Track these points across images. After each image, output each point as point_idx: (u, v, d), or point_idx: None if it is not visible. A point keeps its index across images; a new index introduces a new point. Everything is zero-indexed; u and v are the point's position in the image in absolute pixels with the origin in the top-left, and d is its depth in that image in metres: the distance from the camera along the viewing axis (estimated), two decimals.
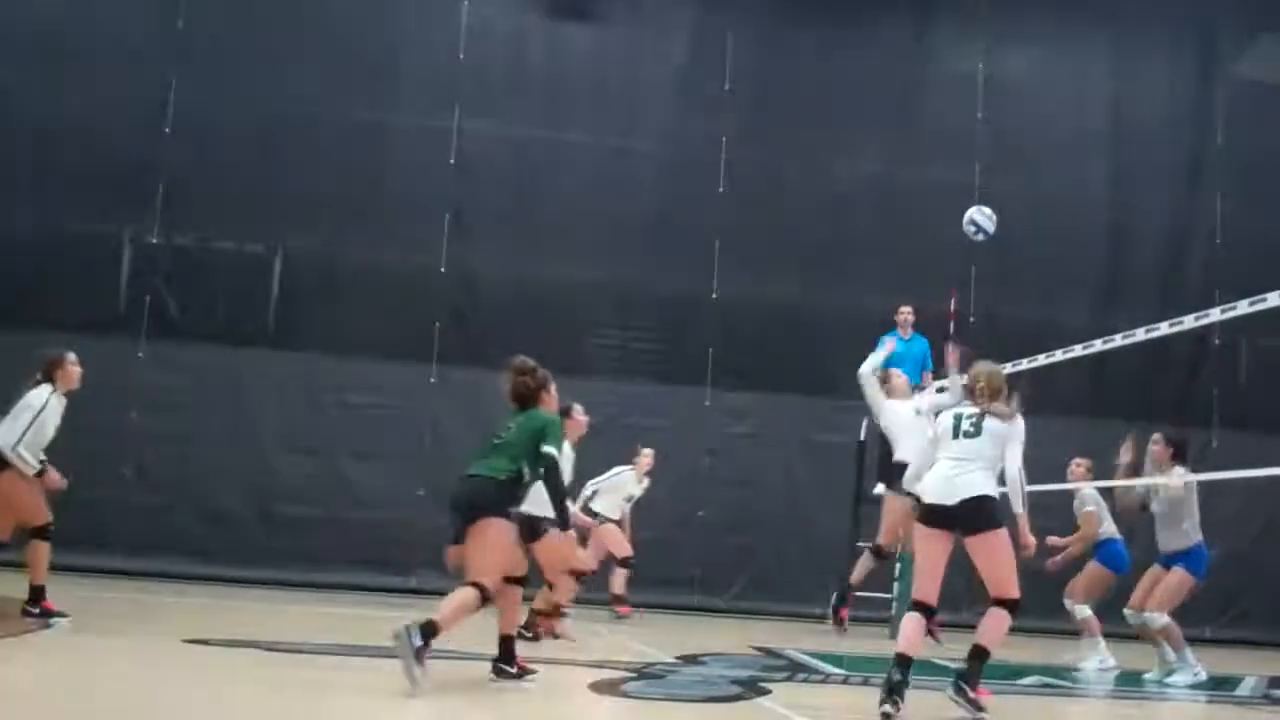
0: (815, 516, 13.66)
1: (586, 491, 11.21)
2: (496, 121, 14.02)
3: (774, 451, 14.08)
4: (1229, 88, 15.41)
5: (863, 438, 12.50)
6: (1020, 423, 6.87)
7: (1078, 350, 10.24)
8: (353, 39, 13.89)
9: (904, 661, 6.52)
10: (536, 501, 7.91)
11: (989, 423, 6.79)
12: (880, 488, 12.10)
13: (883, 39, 14.95)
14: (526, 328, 13.30)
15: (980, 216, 10.24)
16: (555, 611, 9.45)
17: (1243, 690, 9.44)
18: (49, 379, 8.38)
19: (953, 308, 13.22)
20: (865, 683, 8.13)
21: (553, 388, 7.35)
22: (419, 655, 6.31)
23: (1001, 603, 6.66)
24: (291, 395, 13.36)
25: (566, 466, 9.10)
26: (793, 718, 6.58)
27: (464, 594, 6.63)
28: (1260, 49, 15.51)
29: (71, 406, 8.50)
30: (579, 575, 9.37)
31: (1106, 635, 10.43)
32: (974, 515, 6.61)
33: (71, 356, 8.52)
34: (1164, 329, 9.20)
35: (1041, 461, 8.81)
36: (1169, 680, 9.26)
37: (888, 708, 6.39)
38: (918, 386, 11.76)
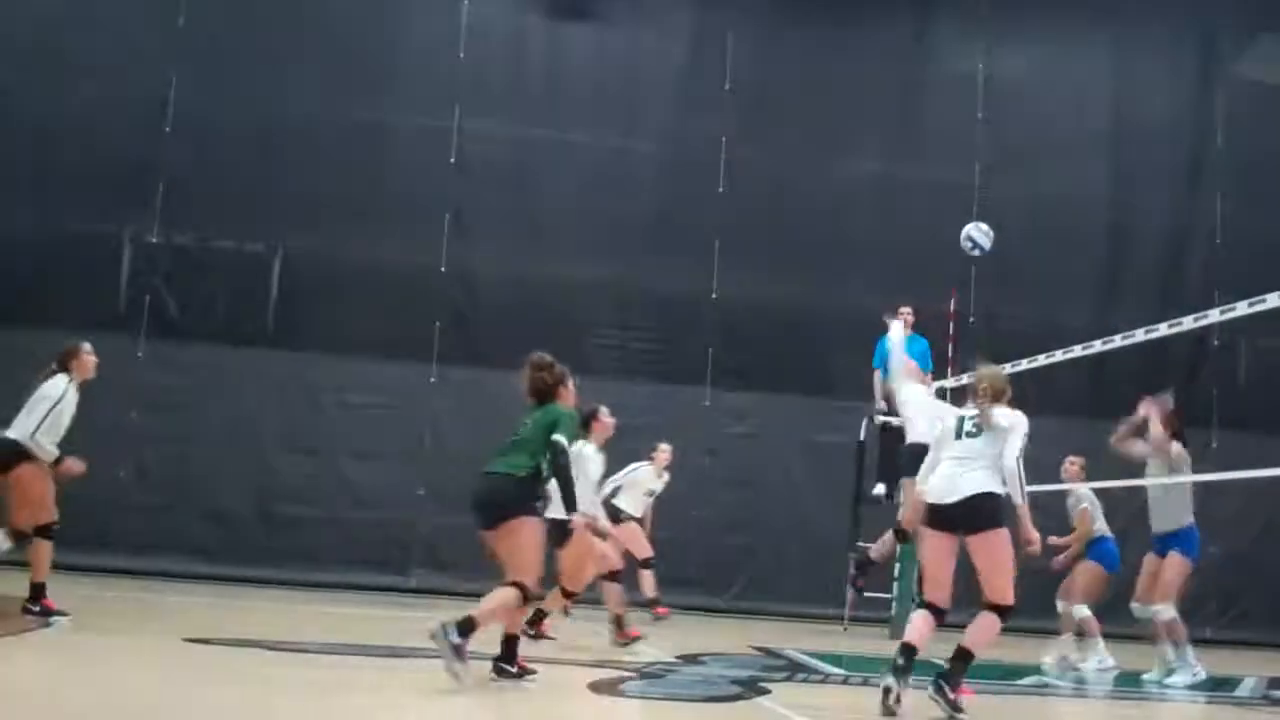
0: (815, 516, 13.67)
1: (607, 489, 10.98)
2: (496, 121, 14.02)
3: (774, 451, 14.09)
4: (1229, 88, 15.41)
5: (862, 438, 12.51)
6: (1022, 417, 6.87)
7: (1077, 351, 10.24)
8: (353, 39, 13.89)
9: (909, 649, 6.61)
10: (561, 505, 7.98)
11: (991, 421, 6.79)
12: (880, 488, 12.11)
13: (883, 39, 14.95)
14: (526, 328, 13.29)
15: (977, 233, 10.26)
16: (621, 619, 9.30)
17: (1242, 691, 9.44)
18: (64, 369, 8.41)
19: (952, 308, 13.24)
20: (865, 683, 8.13)
21: (570, 383, 7.39)
22: (459, 652, 6.43)
23: (994, 608, 6.65)
24: (291, 395, 13.36)
25: (595, 468, 9.12)
26: (792, 718, 6.58)
27: (504, 593, 6.76)
28: (1260, 49, 15.51)
29: None
30: (614, 575, 9.26)
31: (1105, 635, 10.44)
32: (974, 514, 6.61)
33: (87, 346, 8.57)
34: (1163, 330, 9.19)
35: (1041, 461, 8.81)
36: (1169, 681, 9.26)
37: (890, 681, 6.49)
38: None
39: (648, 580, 11.62)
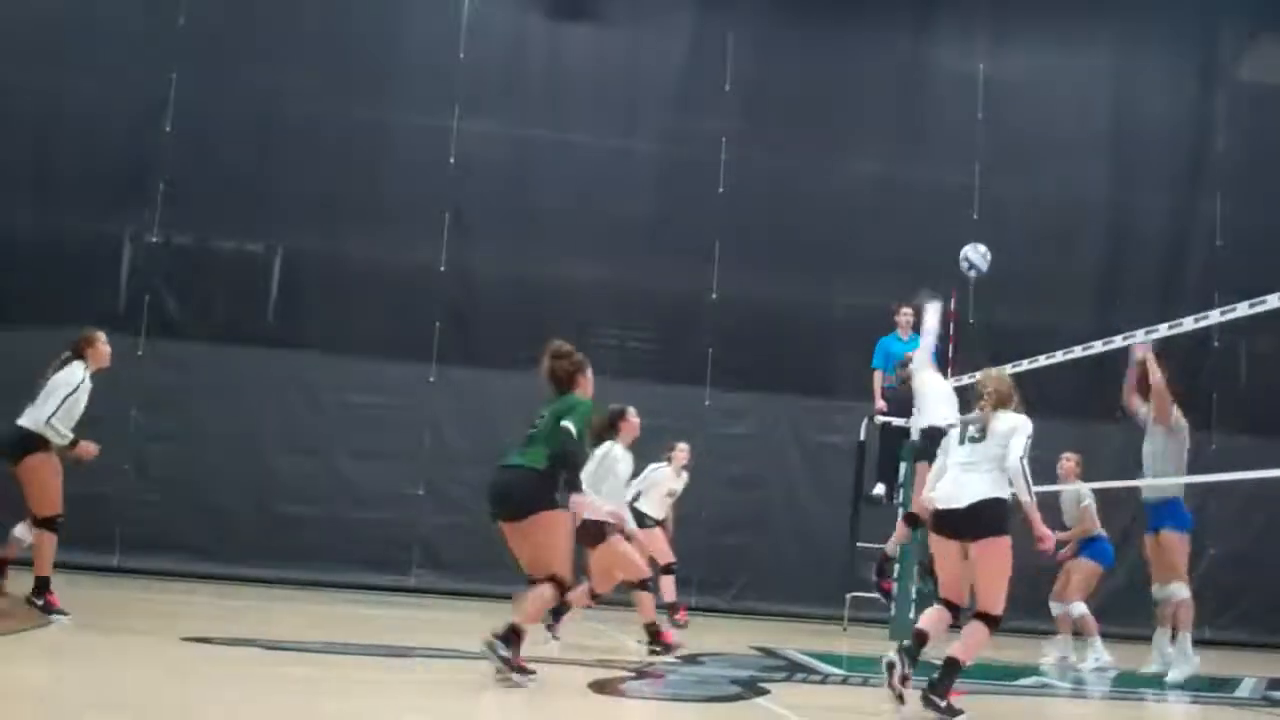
0: (814, 517, 13.69)
1: (628, 495, 10.61)
2: (496, 121, 14.02)
3: (773, 452, 14.09)
4: (1229, 88, 15.42)
5: (862, 438, 12.51)
6: (1026, 420, 6.88)
7: (1077, 352, 10.24)
8: (353, 39, 13.89)
9: (919, 634, 6.71)
10: (596, 506, 8.00)
11: (994, 426, 6.80)
12: (879, 488, 12.12)
13: (883, 39, 14.94)
14: (526, 327, 13.28)
15: (974, 254, 10.30)
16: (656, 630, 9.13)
17: (1242, 692, 9.44)
18: (79, 356, 8.44)
19: (952, 308, 13.21)
20: (865, 683, 8.13)
21: (589, 372, 7.39)
22: (511, 664, 6.59)
23: (984, 617, 6.65)
24: (291, 394, 13.36)
25: (624, 468, 9.10)
26: (791, 718, 6.58)
27: (542, 591, 6.84)
28: (1260, 49, 15.50)
29: None
30: (644, 584, 9.09)
31: (1100, 634, 10.48)
32: (975, 521, 6.61)
33: (102, 335, 8.62)
34: (1163, 330, 9.19)
35: (1040, 462, 8.80)
36: (1170, 678, 9.24)
37: (893, 656, 6.60)
38: None
39: (668, 585, 11.45)
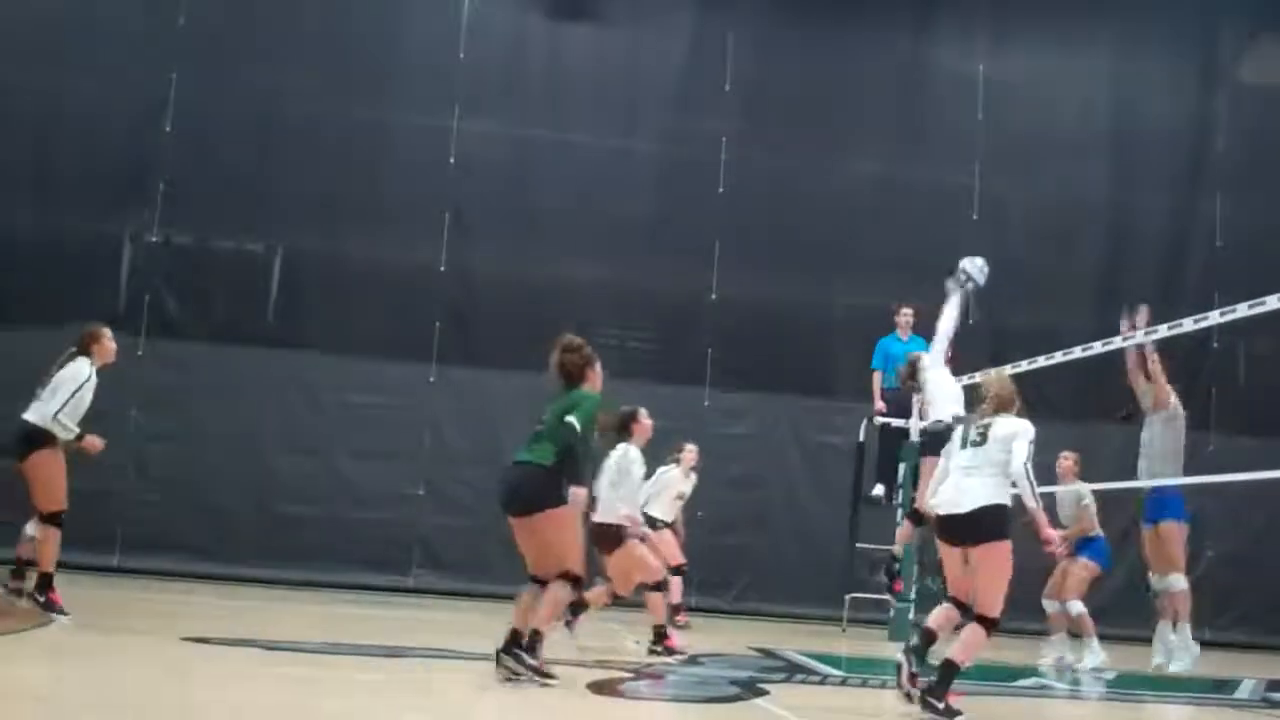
0: (814, 517, 13.69)
1: (641, 499, 10.46)
2: (496, 121, 14.01)
3: (773, 453, 14.08)
4: (1230, 88, 15.40)
5: (862, 439, 12.51)
6: (1027, 425, 6.89)
7: (1077, 352, 10.24)
8: (353, 38, 13.88)
9: (927, 633, 6.80)
10: (613, 510, 8.00)
11: (996, 429, 6.81)
12: (879, 489, 12.13)
13: (883, 39, 14.93)
14: (525, 327, 13.28)
15: (971, 268, 10.27)
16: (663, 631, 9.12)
17: (1241, 693, 9.44)
18: (85, 352, 8.46)
19: None
20: (863, 684, 8.14)
21: (598, 366, 7.41)
22: (539, 670, 6.75)
23: (982, 619, 6.66)
24: (291, 394, 13.36)
25: (639, 469, 9.08)
26: (790, 719, 6.59)
27: (557, 590, 6.92)
28: (1260, 49, 15.49)
29: None
30: (656, 586, 9.11)
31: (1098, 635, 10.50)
32: (975, 527, 6.62)
33: (108, 331, 8.68)
34: (1163, 331, 9.19)
35: (1039, 463, 8.79)
36: (1172, 669, 9.23)
37: (900, 657, 6.72)
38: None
39: (675, 586, 11.44)
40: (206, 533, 12.86)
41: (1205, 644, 12.43)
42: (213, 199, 13.33)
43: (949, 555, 6.89)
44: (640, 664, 8.33)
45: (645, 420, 9.30)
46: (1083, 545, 10.56)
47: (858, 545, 12.34)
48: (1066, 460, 10.70)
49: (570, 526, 7.01)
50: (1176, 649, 9.36)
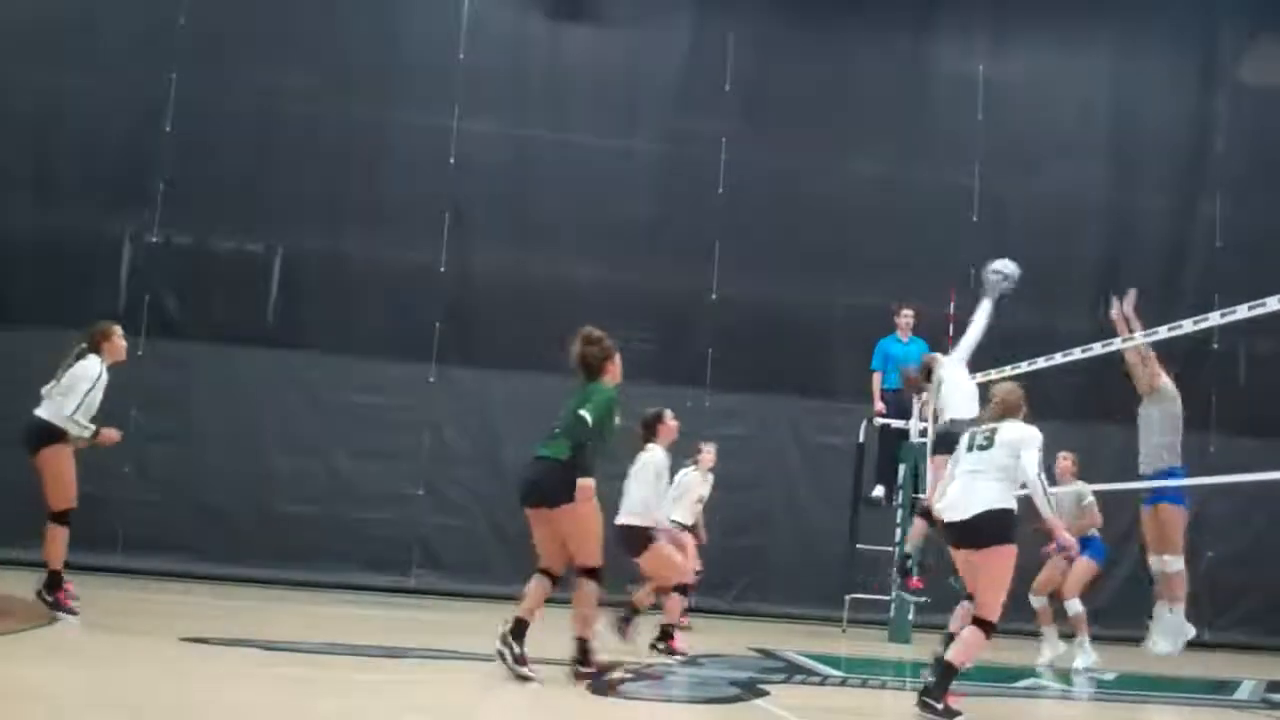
0: (814, 518, 13.68)
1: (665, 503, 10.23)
2: (496, 121, 14.00)
3: (773, 453, 14.07)
4: (1229, 89, 15.39)
5: (862, 440, 12.51)
6: (1035, 431, 6.90)
7: (1076, 354, 10.24)
8: (352, 38, 13.87)
9: (950, 638, 6.98)
10: (638, 511, 8.00)
11: (1002, 434, 6.83)
12: (879, 490, 12.13)
13: (883, 39, 14.92)
14: (525, 327, 13.33)
15: (1007, 268, 10.12)
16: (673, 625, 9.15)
17: (1241, 694, 9.45)
18: (96, 350, 8.47)
19: (952, 310, 13.21)
20: (863, 685, 8.14)
21: (618, 358, 7.44)
22: (519, 660, 6.84)
23: (980, 622, 6.66)
24: (291, 394, 13.35)
25: (664, 471, 9.04)
26: (790, 719, 6.58)
27: (585, 590, 7.05)
28: (1260, 49, 15.48)
29: None
30: (683, 589, 9.15)
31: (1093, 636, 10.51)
32: (977, 532, 6.64)
33: (118, 329, 8.72)
34: (1163, 332, 9.18)
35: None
36: (1163, 649, 9.17)
37: (928, 672, 6.83)
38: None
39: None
40: (206, 533, 12.85)
41: (1205, 645, 12.46)
42: (212, 199, 13.33)
43: (957, 557, 6.94)
44: (640, 664, 8.33)
45: (671, 422, 9.28)
46: (1081, 544, 10.55)
47: (857, 546, 12.34)
48: (1065, 460, 10.73)
49: (586, 520, 7.06)
50: (1170, 629, 9.32)
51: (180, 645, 7.63)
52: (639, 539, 8.56)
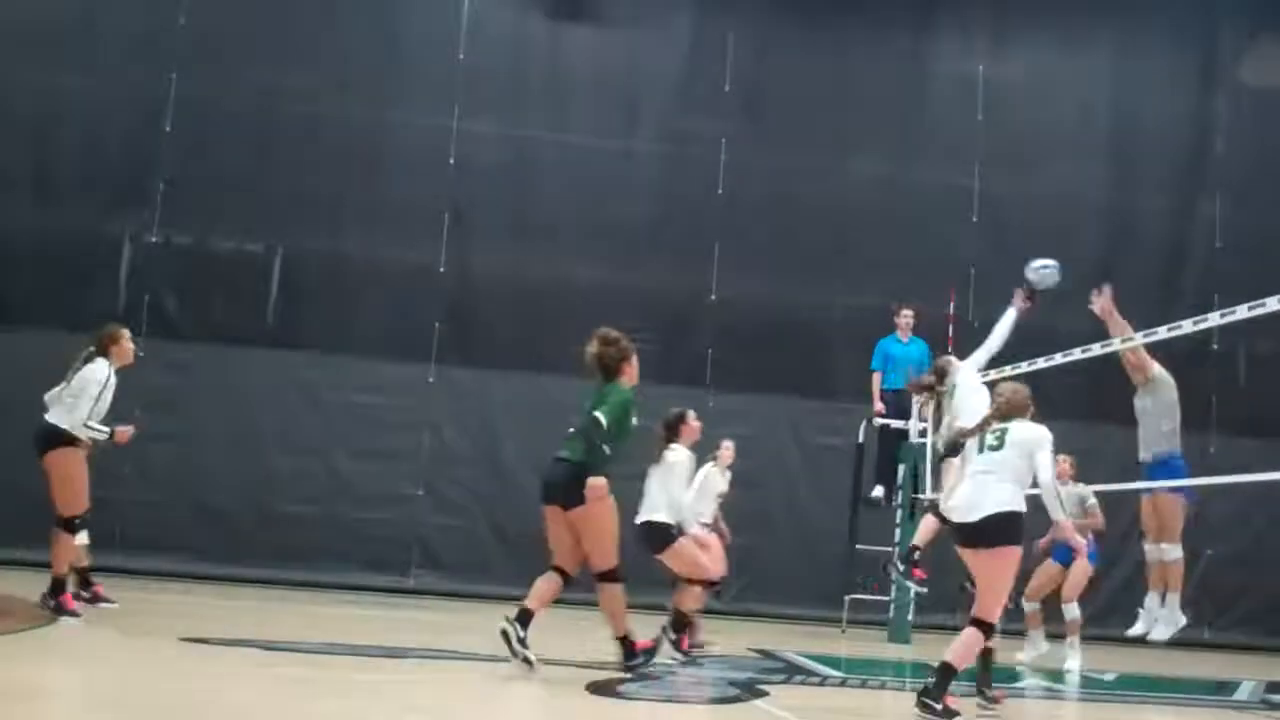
0: (814, 518, 13.67)
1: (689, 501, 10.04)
2: (496, 121, 14.00)
3: (772, 453, 14.04)
4: (1229, 89, 15.39)
5: (861, 440, 12.50)
6: (1045, 432, 6.89)
7: (1076, 354, 10.23)
8: (353, 38, 13.88)
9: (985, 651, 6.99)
10: (660, 508, 7.99)
11: (1012, 434, 6.82)
12: (878, 490, 12.12)
13: (883, 39, 14.92)
14: (525, 328, 13.35)
15: (1050, 262, 10.05)
16: (686, 623, 9.05)
17: (1240, 694, 9.45)
18: (103, 353, 8.47)
19: (951, 310, 13.22)
20: (863, 685, 8.13)
21: (635, 359, 7.44)
22: (523, 643, 7.01)
23: (979, 623, 6.66)
24: (290, 394, 13.35)
25: (687, 471, 9.03)
26: (790, 719, 6.59)
27: (609, 593, 7.20)
28: (1260, 49, 15.47)
29: None
30: (710, 585, 9.13)
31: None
32: (980, 535, 6.63)
33: (126, 332, 8.78)
34: (1162, 333, 9.18)
35: None
36: (1153, 636, 9.14)
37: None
38: None
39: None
40: (206, 533, 12.85)
41: (1205, 645, 12.47)
42: (212, 199, 13.33)
43: (964, 557, 6.92)
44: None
45: (694, 422, 9.26)
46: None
47: (857, 546, 12.33)
48: (1063, 463, 10.69)
49: (600, 520, 7.11)
50: (1162, 618, 9.28)
51: (180, 645, 7.63)
52: (660, 536, 8.53)
